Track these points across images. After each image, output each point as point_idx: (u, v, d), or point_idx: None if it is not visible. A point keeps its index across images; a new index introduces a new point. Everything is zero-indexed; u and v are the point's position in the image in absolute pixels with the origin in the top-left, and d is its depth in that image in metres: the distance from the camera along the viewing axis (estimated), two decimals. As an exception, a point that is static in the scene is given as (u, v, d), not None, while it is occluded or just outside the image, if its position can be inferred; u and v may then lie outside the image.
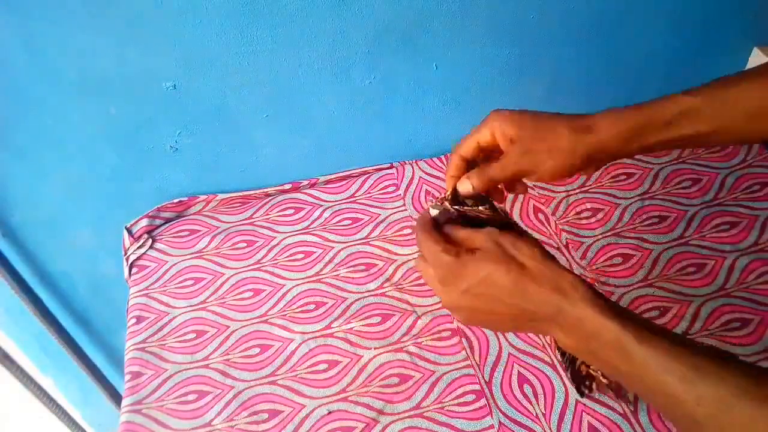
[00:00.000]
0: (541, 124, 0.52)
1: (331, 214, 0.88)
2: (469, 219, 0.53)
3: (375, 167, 0.93)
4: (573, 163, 0.51)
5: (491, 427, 0.65)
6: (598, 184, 0.88)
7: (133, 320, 0.78)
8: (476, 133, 0.55)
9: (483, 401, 0.67)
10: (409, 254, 0.82)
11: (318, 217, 0.88)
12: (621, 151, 0.52)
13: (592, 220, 0.83)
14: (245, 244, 0.85)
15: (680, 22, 0.90)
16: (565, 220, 0.84)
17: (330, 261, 0.82)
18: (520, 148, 0.52)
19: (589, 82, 0.94)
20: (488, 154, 0.56)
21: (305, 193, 0.91)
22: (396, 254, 0.82)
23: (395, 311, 0.76)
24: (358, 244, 0.84)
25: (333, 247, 0.84)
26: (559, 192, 0.87)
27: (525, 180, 0.55)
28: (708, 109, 0.51)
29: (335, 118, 0.87)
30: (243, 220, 0.88)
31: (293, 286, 0.80)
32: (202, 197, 0.89)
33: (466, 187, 0.54)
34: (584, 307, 0.43)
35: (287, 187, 0.91)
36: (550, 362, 0.69)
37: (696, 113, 0.51)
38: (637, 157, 0.90)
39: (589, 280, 0.76)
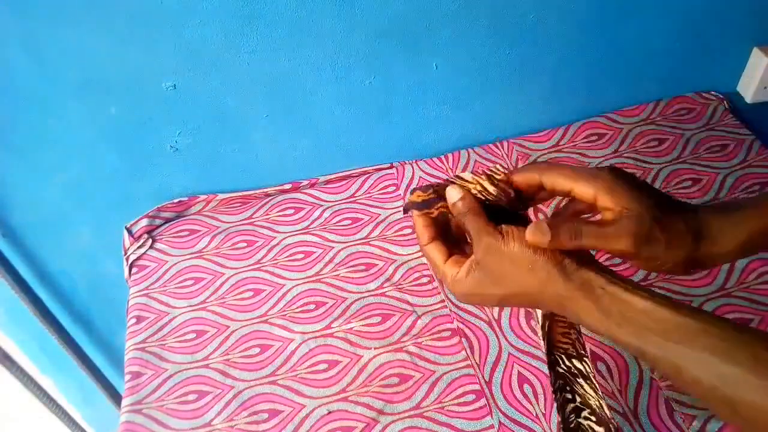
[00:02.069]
0: (660, 208, 0.45)
1: (331, 214, 0.88)
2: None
3: (375, 167, 0.93)
4: (679, 263, 0.46)
5: (491, 427, 0.65)
6: (598, 184, 0.88)
7: (133, 320, 0.78)
8: (571, 180, 0.46)
9: (483, 401, 0.67)
10: (409, 254, 0.82)
11: (318, 217, 0.88)
12: (734, 259, 0.48)
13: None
14: (245, 244, 0.85)
15: (680, 22, 0.90)
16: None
17: (330, 261, 0.82)
18: (639, 227, 0.44)
19: (589, 82, 0.94)
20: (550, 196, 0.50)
21: (305, 193, 0.91)
22: (396, 254, 0.82)
23: (395, 311, 0.76)
24: (358, 244, 0.84)
25: (333, 247, 0.84)
26: (559, 192, 0.87)
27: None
28: None
29: (335, 118, 0.87)
30: (243, 220, 0.88)
31: (293, 286, 0.80)
32: (202, 197, 0.89)
33: (541, 238, 0.44)
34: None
35: (287, 187, 0.91)
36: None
37: None
38: (636, 156, 0.90)
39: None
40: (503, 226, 0.46)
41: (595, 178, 0.46)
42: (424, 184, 0.52)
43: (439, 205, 0.51)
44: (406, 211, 0.52)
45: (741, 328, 0.39)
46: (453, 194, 0.49)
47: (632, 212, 0.44)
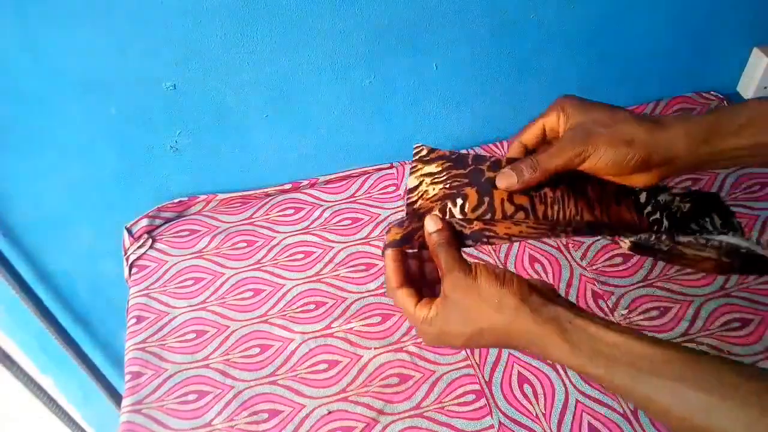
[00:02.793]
0: (608, 111, 0.48)
1: (331, 214, 0.88)
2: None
3: (375, 167, 0.93)
4: (633, 157, 0.46)
5: (491, 427, 0.65)
6: (598, 184, 0.88)
7: (133, 320, 0.78)
8: (542, 118, 0.51)
9: (483, 401, 0.67)
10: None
11: (318, 217, 0.88)
12: (689, 154, 0.47)
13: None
14: (245, 244, 0.85)
15: (680, 22, 0.90)
16: (565, 220, 0.84)
17: (330, 261, 0.82)
18: (578, 131, 0.47)
19: (589, 82, 0.94)
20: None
21: (305, 193, 0.91)
22: (396, 254, 0.82)
23: (395, 311, 0.76)
24: (358, 244, 0.84)
25: (333, 247, 0.84)
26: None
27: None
28: None
29: (335, 118, 0.87)
30: (243, 220, 0.88)
31: (293, 286, 0.80)
32: (202, 197, 0.89)
33: (508, 180, 0.47)
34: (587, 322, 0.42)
35: (287, 187, 0.91)
36: (550, 362, 0.69)
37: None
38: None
39: (589, 280, 0.76)
40: (473, 263, 0.46)
41: (553, 106, 0.50)
42: (398, 220, 0.50)
43: (418, 235, 0.49)
44: (384, 251, 0.49)
45: (708, 356, 0.39)
46: (430, 225, 0.49)
47: (574, 125, 0.48)
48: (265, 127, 0.85)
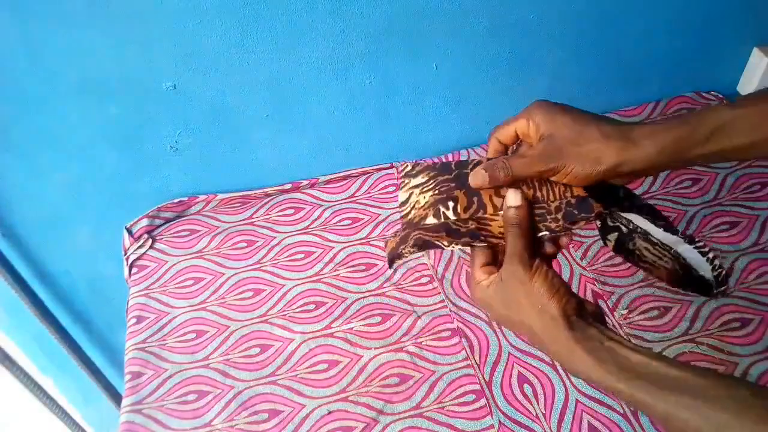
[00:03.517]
0: (578, 126, 0.49)
1: (331, 214, 0.88)
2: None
3: (375, 167, 0.93)
4: (600, 172, 0.48)
5: (491, 427, 0.65)
6: (598, 184, 0.88)
7: (133, 320, 0.78)
8: (514, 121, 0.52)
9: (483, 401, 0.67)
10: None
11: (318, 217, 0.88)
12: (660, 166, 0.49)
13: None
14: (245, 244, 0.85)
15: (680, 22, 0.90)
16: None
17: (330, 261, 0.82)
18: (548, 147, 0.49)
19: (589, 82, 0.94)
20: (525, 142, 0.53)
21: (305, 193, 0.91)
22: (396, 254, 0.82)
23: (395, 311, 0.76)
24: (358, 244, 0.84)
25: (333, 247, 0.84)
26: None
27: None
28: (747, 121, 0.48)
29: (335, 118, 0.87)
30: (243, 220, 0.88)
31: (293, 286, 0.80)
32: (202, 197, 0.89)
33: (481, 179, 0.49)
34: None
35: (287, 187, 0.91)
36: (550, 362, 0.69)
37: (734, 126, 0.48)
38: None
39: (589, 280, 0.76)
40: (537, 260, 0.47)
41: (524, 112, 0.51)
42: (392, 232, 0.51)
43: (412, 236, 0.49)
44: (390, 266, 0.50)
45: (728, 377, 0.40)
46: (511, 198, 0.49)
47: (545, 135, 0.49)
48: (265, 127, 0.85)
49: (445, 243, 0.48)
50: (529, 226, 0.49)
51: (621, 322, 0.72)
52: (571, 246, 0.80)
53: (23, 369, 0.93)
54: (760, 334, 0.69)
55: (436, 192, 0.51)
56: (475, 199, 0.50)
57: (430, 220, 0.50)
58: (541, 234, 0.49)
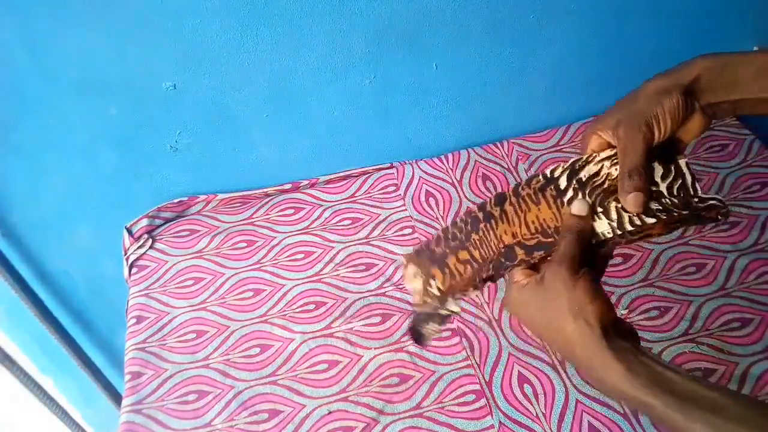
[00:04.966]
0: (629, 95, 0.50)
1: (331, 214, 0.88)
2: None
3: (375, 167, 0.93)
4: (676, 96, 0.48)
5: (491, 427, 0.65)
6: (598, 184, 0.88)
7: (133, 320, 0.78)
8: (586, 147, 0.52)
9: (483, 401, 0.67)
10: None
11: (318, 217, 0.88)
12: (717, 86, 0.50)
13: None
14: (245, 244, 0.85)
15: (680, 23, 0.90)
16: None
17: (330, 261, 0.82)
18: (627, 119, 0.48)
19: (589, 82, 0.94)
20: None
21: (305, 193, 0.91)
22: (396, 254, 0.82)
23: (395, 311, 0.76)
24: (358, 244, 0.84)
25: (333, 247, 0.84)
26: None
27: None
28: None
29: (335, 118, 0.87)
30: (243, 220, 0.88)
31: (293, 286, 0.80)
32: (202, 197, 0.89)
33: (639, 199, 0.47)
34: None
35: (287, 187, 0.91)
36: (550, 362, 0.69)
37: None
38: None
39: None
40: (584, 270, 0.46)
41: (586, 138, 0.51)
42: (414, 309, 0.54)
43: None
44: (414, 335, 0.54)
45: (758, 401, 0.40)
46: (576, 207, 0.49)
47: (617, 127, 0.49)
48: (265, 127, 0.85)
49: (445, 312, 0.52)
50: (586, 239, 0.48)
51: (621, 322, 0.72)
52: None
53: (23, 369, 0.93)
54: (760, 334, 0.69)
55: (422, 276, 0.53)
56: (445, 270, 0.52)
57: (428, 301, 0.52)
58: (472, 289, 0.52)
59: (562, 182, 0.51)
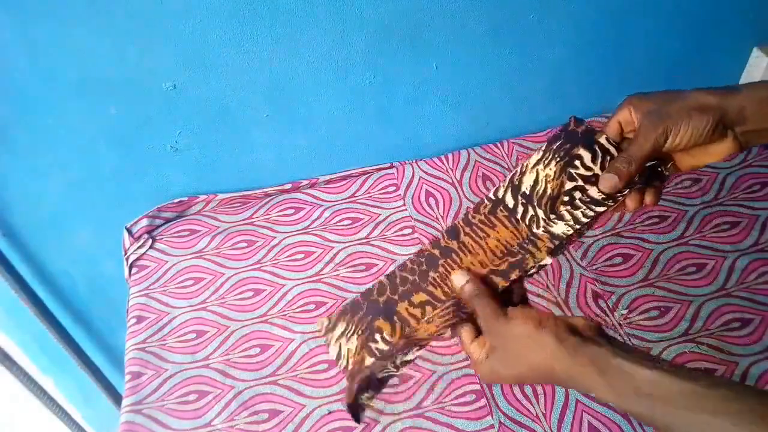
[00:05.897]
0: (673, 93, 0.51)
1: (331, 214, 0.88)
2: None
3: (375, 167, 0.93)
4: (708, 121, 0.48)
5: (491, 427, 0.65)
6: (598, 184, 0.88)
7: (133, 320, 0.78)
8: (615, 115, 0.53)
9: (483, 401, 0.67)
10: (409, 254, 0.82)
11: (318, 217, 0.88)
12: (761, 118, 0.49)
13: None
14: (245, 244, 0.85)
15: (680, 23, 0.90)
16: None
17: (330, 261, 0.82)
18: (653, 115, 0.50)
19: (589, 82, 0.94)
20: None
21: (305, 193, 0.91)
22: (396, 254, 0.82)
23: (395, 311, 0.76)
24: (358, 244, 0.84)
25: (333, 247, 0.84)
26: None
27: (664, 170, 0.53)
28: None
29: (335, 118, 0.87)
30: (243, 220, 0.88)
31: (293, 286, 0.80)
32: (202, 197, 0.89)
33: (611, 181, 0.50)
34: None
35: (287, 187, 0.91)
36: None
37: None
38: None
39: (589, 280, 0.76)
40: (509, 309, 0.47)
41: (621, 105, 0.53)
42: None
43: (358, 378, 0.50)
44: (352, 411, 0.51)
45: (744, 387, 0.39)
46: (458, 279, 0.50)
47: (646, 112, 0.50)
48: (265, 127, 0.85)
49: (393, 369, 0.50)
50: (487, 289, 0.49)
51: (621, 322, 0.72)
52: (571, 246, 0.80)
53: (23, 369, 0.93)
54: (760, 334, 0.69)
55: (359, 333, 0.51)
56: (395, 318, 0.50)
57: (369, 361, 0.50)
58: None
59: (509, 200, 0.52)
